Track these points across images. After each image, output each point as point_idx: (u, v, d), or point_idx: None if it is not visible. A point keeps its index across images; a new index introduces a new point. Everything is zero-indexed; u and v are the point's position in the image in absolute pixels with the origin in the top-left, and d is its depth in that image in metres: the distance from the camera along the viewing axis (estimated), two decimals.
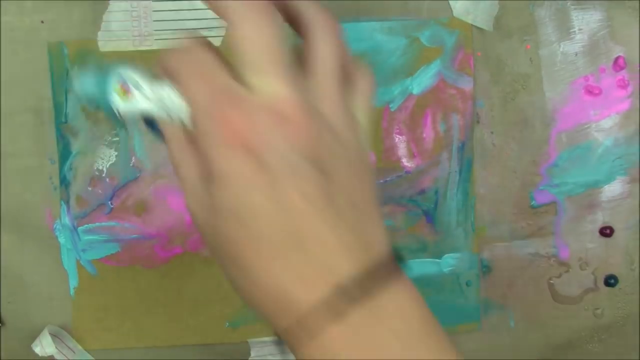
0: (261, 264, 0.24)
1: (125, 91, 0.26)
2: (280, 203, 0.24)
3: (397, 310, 0.24)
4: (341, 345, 0.23)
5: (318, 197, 0.24)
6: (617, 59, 0.41)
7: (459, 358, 0.25)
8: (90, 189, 0.41)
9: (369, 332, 0.23)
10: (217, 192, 0.24)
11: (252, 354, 0.42)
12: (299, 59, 0.26)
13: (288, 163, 0.24)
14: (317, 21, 0.26)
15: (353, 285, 0.23)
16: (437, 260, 0.42)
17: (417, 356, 0.23)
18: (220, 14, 0.25)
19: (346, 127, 0.25)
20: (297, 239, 0.24)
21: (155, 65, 0.26)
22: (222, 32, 0.40)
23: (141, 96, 0.26)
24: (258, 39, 0.24)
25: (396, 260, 0.25)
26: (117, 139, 0.40)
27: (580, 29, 0.41)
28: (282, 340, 0.24)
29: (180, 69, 0.25)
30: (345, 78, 0.26)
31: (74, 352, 0.42)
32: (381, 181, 0.41)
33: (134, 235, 0.41)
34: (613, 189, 0.42)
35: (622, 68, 0.41)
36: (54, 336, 0.41)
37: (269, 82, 0.24)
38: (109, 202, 0.41)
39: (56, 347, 0.41)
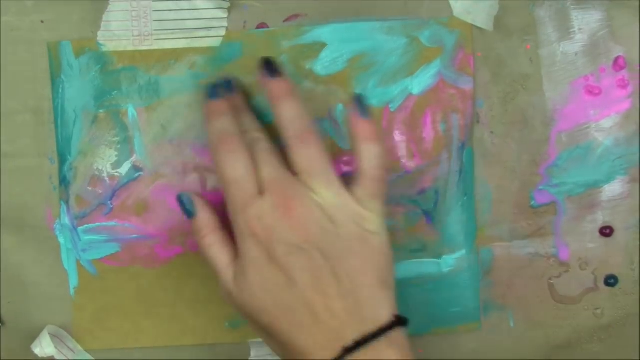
0: (285, 330, 0.32)
1: None
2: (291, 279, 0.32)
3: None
4: None
5: (323, 275, 0.32)
6: (617, 59, 0.41)
7: None
8: (90, 189, 0.41)
9: None
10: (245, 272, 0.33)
11: (252, 354, 0.42)
12: None
13: (294, 249, 0.32)
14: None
15: (355, 347, 0.31)
16: (437, 260, 0.42)
17: None
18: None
19: (349, 220, 0.33)
20: (311, 310, 0.32)
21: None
22: (222, 32, 0.40)
23: None
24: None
25: (398, 324, 0.32)
26: (117, 139, 0.40)
27: (580, 29, 0.41)
28: None
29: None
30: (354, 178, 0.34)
31: (74, 352, 0.42)
32: None
33: (134, 235, 0.41)
34: (613, 189, 0.42)
35: (622, 68, 0.41)
36: (54, 336, 0.41)
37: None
38: (109, 202, 0.41)
39: (56, 347, 0.41)
